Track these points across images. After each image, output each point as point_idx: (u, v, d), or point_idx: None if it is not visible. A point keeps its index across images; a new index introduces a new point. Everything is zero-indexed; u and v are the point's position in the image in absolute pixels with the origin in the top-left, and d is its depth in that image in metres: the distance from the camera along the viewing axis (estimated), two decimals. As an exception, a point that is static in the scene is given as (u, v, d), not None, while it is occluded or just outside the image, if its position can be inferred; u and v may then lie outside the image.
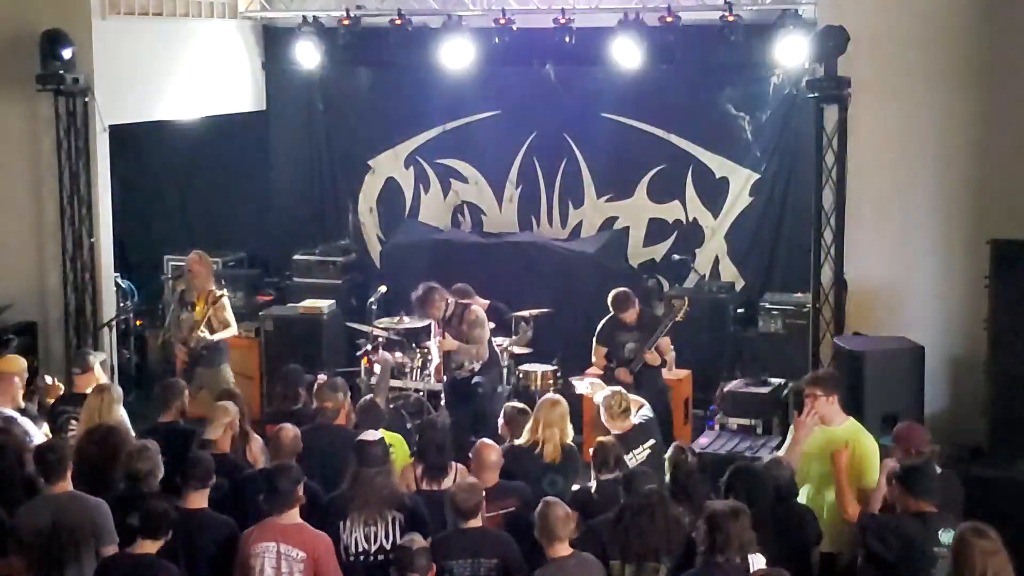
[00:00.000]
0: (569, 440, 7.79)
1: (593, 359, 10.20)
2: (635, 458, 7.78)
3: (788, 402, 10.26)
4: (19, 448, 7.32)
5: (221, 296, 10.35)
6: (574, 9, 11.64)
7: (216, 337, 10.32)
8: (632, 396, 8.48)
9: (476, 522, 6.40)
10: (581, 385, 9.79)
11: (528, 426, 7.76)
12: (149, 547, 6.12)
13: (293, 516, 6.34)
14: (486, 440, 7.32)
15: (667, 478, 6.91)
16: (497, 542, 6.38)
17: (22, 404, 8.39)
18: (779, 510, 6.61)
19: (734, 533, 5.66)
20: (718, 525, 5.69)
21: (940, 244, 9.84)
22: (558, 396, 8.12)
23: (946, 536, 6.09)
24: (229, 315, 10.50)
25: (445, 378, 10.47)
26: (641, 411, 8.27)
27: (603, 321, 10.11)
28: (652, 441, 8.03)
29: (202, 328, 10.17)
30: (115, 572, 6.15)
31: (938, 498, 6.34)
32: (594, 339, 10.14)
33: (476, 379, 10.25)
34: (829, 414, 7.57)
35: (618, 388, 8.49)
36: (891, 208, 9.93)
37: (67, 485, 6.69)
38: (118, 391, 8.24)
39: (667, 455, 7.13)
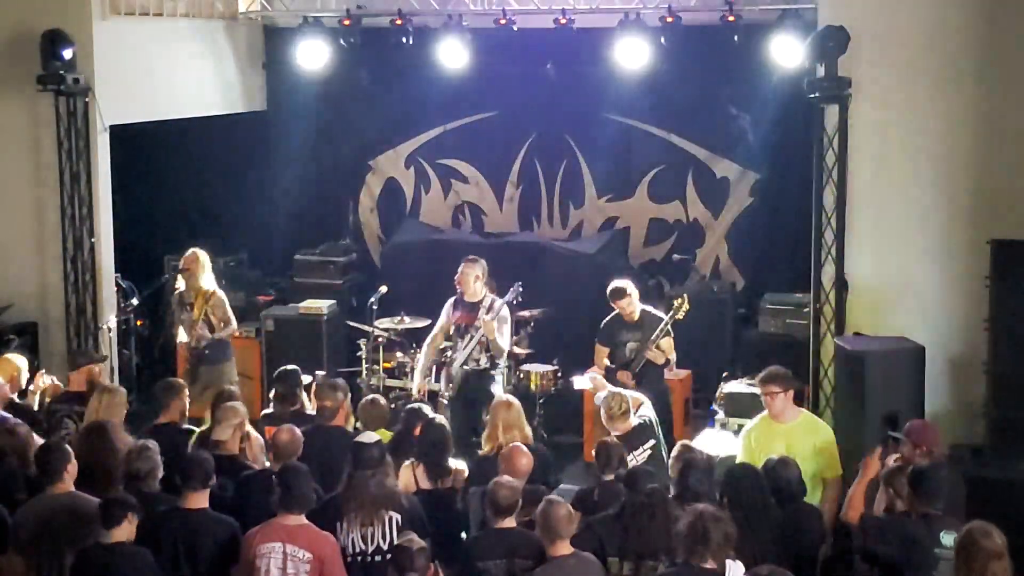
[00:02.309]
0: (530, 439, 7.75)
1: (595, 359, 10.19)
2: (635, 459, 7.77)
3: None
4: (22, 448, 7.32)
5: (214, 293, 10.36)
6: (574, 9, 11.63)
7: (217, 336, 10.33)
8: (631, 394, 8.46)
9: (511, 522, 6.39)
10: (581, 381, 9.78)
11: (486, 433, 7.73)
12: (119, 535, 6.12)
13: (299, 517, 6.34)
14: (518, 445, 7.26)
15: (675, 477, 6.88)
16: (532, 543, 6.33)
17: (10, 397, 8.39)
18: (785, 510, 6.60)
19: (712, 537, 5.64)
20: (696, 528, 5.68)
21: (941, 244, 9.83)
22: (511, 398, 8.09)
23: (948, 538, 6.08)
24: (228, 312, 10.50)
25: (455, 367, 10.20)
26: (640, 410, 8.26)
27: (605, 321, 10.11)
28: (652, 441, 8.03)
29: (200, 326, 10.18)
30: (88, 563, 6.15)
31: (944, 502, 6.33)
32: (596, 339, 10.13)
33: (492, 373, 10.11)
34: (784, 409, 7.59)
35: (617, 389, 8.47)
36: (892, 208, 9.92)
37: (67, 486, 6.69)
38: (121, 393, 8.24)
39: (674, 454, 7.11)
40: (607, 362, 9.96)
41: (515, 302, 10.36)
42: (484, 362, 10.07)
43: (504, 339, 10.12)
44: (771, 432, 7.64)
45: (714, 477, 7.13)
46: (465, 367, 10.01)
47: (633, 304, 9.90)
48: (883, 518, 6.50)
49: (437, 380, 10.53)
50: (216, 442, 7.44)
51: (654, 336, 9.78)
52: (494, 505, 6.35)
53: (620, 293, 9.91)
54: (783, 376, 7.73)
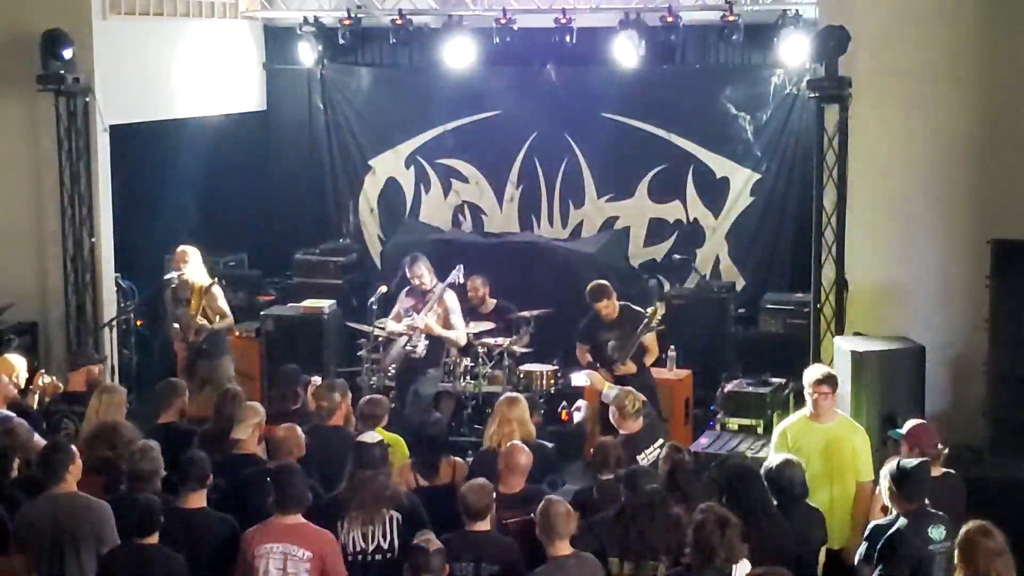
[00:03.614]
0: (533, 437, 7.76)
1: (578, 358, 10.17)
2: (647, 458, 7.75)
3: (789, 402, 10.26)
4: (23, 448, 7.30)
5: (211, 285, 10.37)
6: (574, 9, 11.64)
7: (216, 326, 10.36)
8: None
9: (484, 525, 6.36)
10: (578, 377, 9.75)
11: (490, 429, 7.73)
12: (150, 539, 6.13)
13: (297, 516, 6.33)
14: (517, 443, 7.23)
15: (663, 478, 6.88)
16: (501, 548, 6.34)
17: (16, 397, 8.39)
18: (786, 511, 6.60)
19: (721, 544, 5.63)
20: (705, 534, 5.67)
21: (941, 244, 9.82)
22: (516, 394, 8.09)
23: (936, 532, 6.10)
24: (223, 305, 10.52)
25: (395, 350, 10.48)
26: (644, 409, 8.24)
27: (584, 320, 10.10)
28: (661, 440, 8.00)
29: (199, 319, 10.19)
30: (118, 563, 6.15)
31: (927, 498, 6.33)
32: (576, 339, 10.12)
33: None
34: (828, 411, 7.60)
35: (629, 388, 8.45)
36: (892, 208, 9.92)
37: (69, 486, 6.68)
38: (121, 393, 8.24)
39: (663, 455, 7.12)
40: (589, 359, 9.98)
41: (457, 283, 10.60)
42: (420, 351, 10.30)
43: (455, 332, 10.28)
44: (809, 431, 7.61)
45: (704, 477, 7.14)
46: (404, 348, 10.34)
47: (612, 305, 9.90)
48: (876, 524, 6.52)
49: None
50: (235, 441, 7.44)
51: (629, 347, 9.74)
52: (465, 507, 6.34)
53: (601, 294, 9.89)
54: (834, 378, 7.74)
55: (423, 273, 10.48)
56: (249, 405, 7.70)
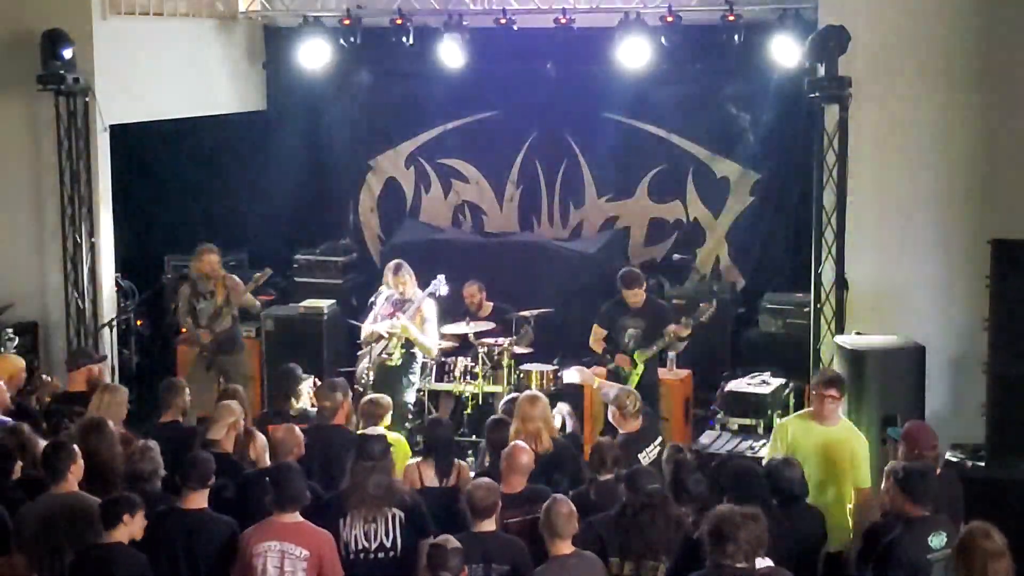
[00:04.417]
0: (556, 433, 7.77)
1: (591, 340, 10.15)
2: (647, 456, 7.76)
3: (789, 402, 10.27)
4: (24, 448, 7.31)
5: (231, 276, 10.50)
6: (575, 9, 11.64)
7: (249, 305, 10.62)
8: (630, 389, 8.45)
9: (490, 525, 6.36)
10: (569, 375, 9.76)
11: (513, 427, 7.74)
12: (117, 536, 6.11)
13: (295, 515, 6.33)
14: (519, 443, 7.23)
15: (667, 479, 6.88)
16: (510, 548, 6.33)
17: (11, 406, 8.38)
18: (786, 510, 6.60)
19: (744, 539, 5.60)
20: (727, 531, 5.58)
21: (941, 244, 9.83)
22: (537, 392, 8.10)
23: (936, 540, 6.09)
24: (248, 295, 10.63)
25: (372, 356, 10.43)
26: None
27: (606, 304, 10.10)
28: (660, 439, 8.02)
29: (229, 309, 10.36)
30: (82, 564, 6.14)
31: (932, 503, 6.31)
32: (595, 320, 10.11)
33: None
34: (833, 414, 7.59)
35: (629, 388, 8.46)
36: (892, 208, 9.93)
37: (71, 485, 6.68)
38: (122, 392, 8.24)
39: (665, 456, 7.12)
40: (604, 344, 9.97)
41: (438, 294, 10.54)
42: (397, 358, 10.29)
43: (428, 338, 10.26)
44: (809, 431, 7.60)
45: (706, 477, 7.14)
46: (381, 355, 10.31)
47: (641, 294, 9.93)
48: (871, 525, 6.51)
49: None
50: (211, 440, 7.45)
51: (656, 336, 9.81)
52: (471, 507, 6.32)
53: (633, 281, 9.90)
54: (842, 382, 7.75)
55: (406, 281, 10.42)
56: (224, 404, 7.69)
